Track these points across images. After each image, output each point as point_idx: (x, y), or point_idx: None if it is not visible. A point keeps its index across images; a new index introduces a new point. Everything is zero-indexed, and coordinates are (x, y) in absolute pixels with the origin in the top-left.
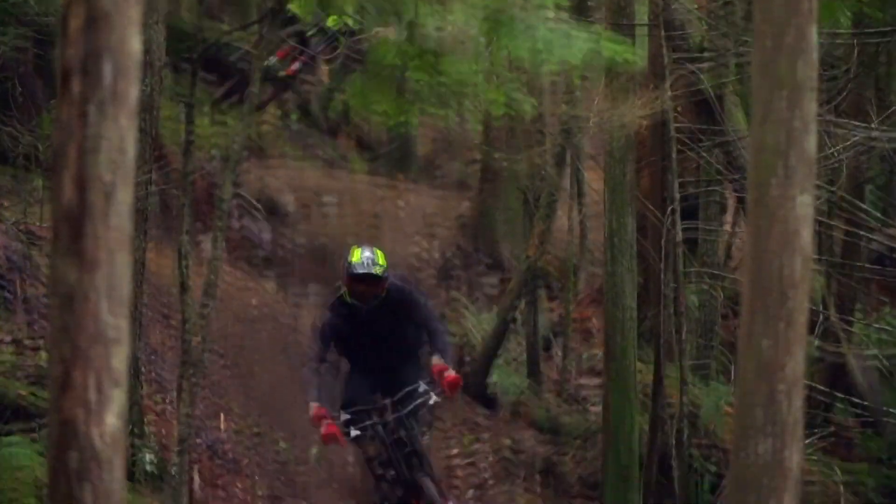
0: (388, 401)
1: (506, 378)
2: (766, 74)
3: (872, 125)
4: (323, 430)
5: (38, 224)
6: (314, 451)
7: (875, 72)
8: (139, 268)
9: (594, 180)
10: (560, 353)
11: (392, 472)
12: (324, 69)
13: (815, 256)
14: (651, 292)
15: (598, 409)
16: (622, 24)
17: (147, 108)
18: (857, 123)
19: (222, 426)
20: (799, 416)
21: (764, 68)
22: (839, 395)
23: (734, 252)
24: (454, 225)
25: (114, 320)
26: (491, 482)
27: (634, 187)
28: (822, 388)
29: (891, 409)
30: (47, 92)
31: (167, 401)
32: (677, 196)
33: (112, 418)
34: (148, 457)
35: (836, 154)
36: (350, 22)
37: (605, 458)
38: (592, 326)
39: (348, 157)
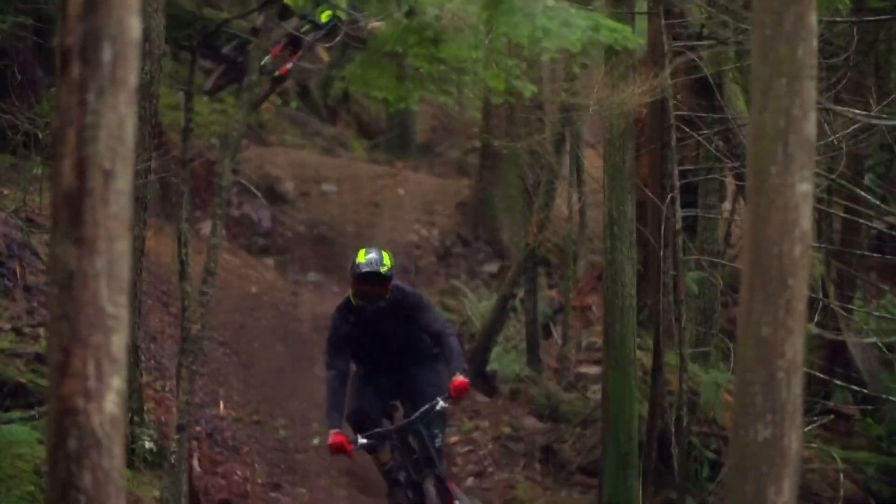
0: (396, 402)
1: (505, 364)
2: (765, 61)
3: (872, 111)
4: (329, 439)
5: (37, 211)
6: (316, 440)
7: (874, 58)
8: (138, 254)
9: (593, 166)
10: (559, 340)
11: (403, 476)
12: (323, 55)
13: (815, 242)
14: (651, 278)
15: (598, 394)
16: (622, 10)
17: (146, 95)
18: (857, 110)
19: (222, 412)
20: (798, 401)
21: (763, 54)
22: (838, 380)
23: (734, 238)
24: (454, 211)
25: (113, 306)
26: (490, 468)
27: (634, 173)
28: (821, 374)
29: (890, 396)
30: (46, 78)
31: (166, 387)
32: (677, 182)
33: (111, 404)
34: (147, 443)
35: (835, 140)
36: (342, 15)
37: (605, 443)
38: (592, 312)
39: (348, 142)
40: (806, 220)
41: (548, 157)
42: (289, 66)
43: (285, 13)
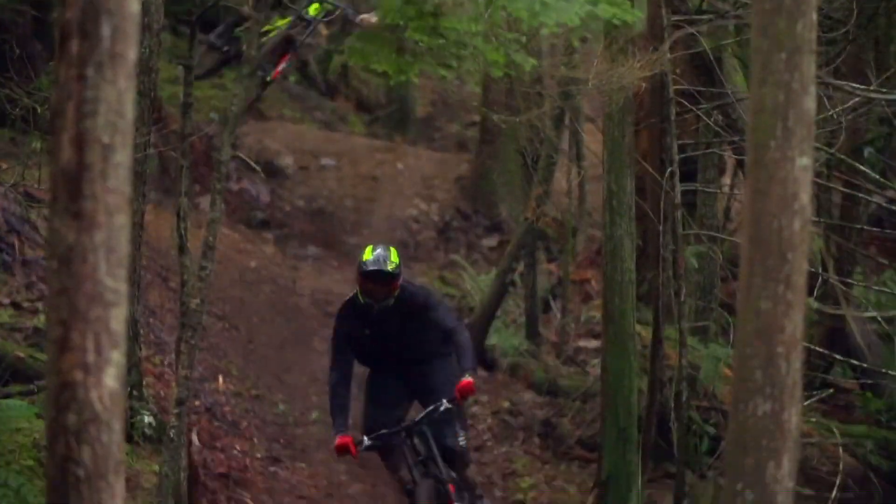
0: (410, 404)
1: (504, 339)
2: (764, 36)
3: (871, 86)
4: (335, 442)
5: (36, 186)
6: (315, 414)
7: (874, 32)
8: (138, 229)
9: (593, 141)
10: (559, 314)
11: (412, 476)
12: (322, 30)
13: (814, 218)
14: (650, 254)
15: (597, 370)
16: None
17: (145, 70)
18: (856, 85)
19: (221, 387)
20: (798, 377)
21: (763, 29)
22: (838, 356)
23: (733, 213)
24: (453, 186)
25: (112, 281)
26: (490, 444)
27: (633, 149)
28: (820, 349)
29: (890, 371)
30: (45, 52)
31: (166, 362)
32: (676, 158)
33: (111, 379)
34: (147, 418)
35: (835, 115)
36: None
37: (604, 419)
38: (591, 288)
39: (347, 118)
40: (805, 195)
41: (547, 132)
42: (280, 68)
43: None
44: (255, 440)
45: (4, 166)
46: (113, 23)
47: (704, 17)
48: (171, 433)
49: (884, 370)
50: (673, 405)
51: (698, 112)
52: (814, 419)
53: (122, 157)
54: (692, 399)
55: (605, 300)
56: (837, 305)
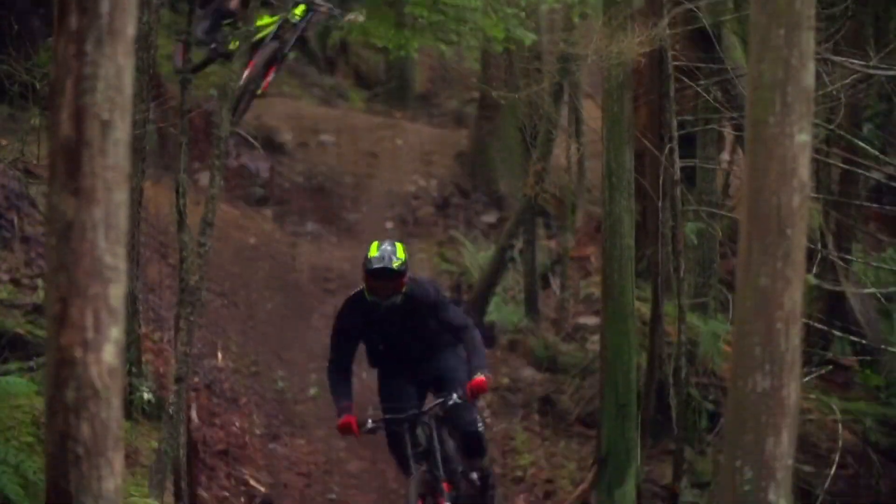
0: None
1: (504, 314)
2: (764, 10)
3: (870, 61)
4: (339, 421)
5: (35, 162)
6: (313, 391)
7: (873, 8)
8: (136, 204)
9: (592, 117)
10: (558, 290)
11: (409, 465)
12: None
13: (813, 192)
14: (649, 230)
15: (597, 346)
16: None
17: (144, 45)
18: (856, 60)
19: (220, 363)
20: (797, 351)
21: (762, 4)
22: (837, 332)
23: (732, 188)
24: (452, 162)
25: (111, 258)
26: (489, 419)
27: (632, 123)
28: (820, 325)
29: (889, 346)
30: (44, 28)
31: (165, 338)
32: (675, 133)
33: (110, 356)
34: (146, 394)
35: (834, 91)
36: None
37: (603, 394)
38: (590, 263)
39: (346, 93)
40: (804, 171)
41: (546, 108)
42: (270, 78)
43: None
44: (254, 416)
45: (3, 142)
46: None
47: None
48: (170, 409)
49: (883, 346)
50: (672, 381)
51: (697, 87)
52: (813, 395)
53: (121, 133)
54: (691, 375)
55: (605, 276)
56: (836, 281)
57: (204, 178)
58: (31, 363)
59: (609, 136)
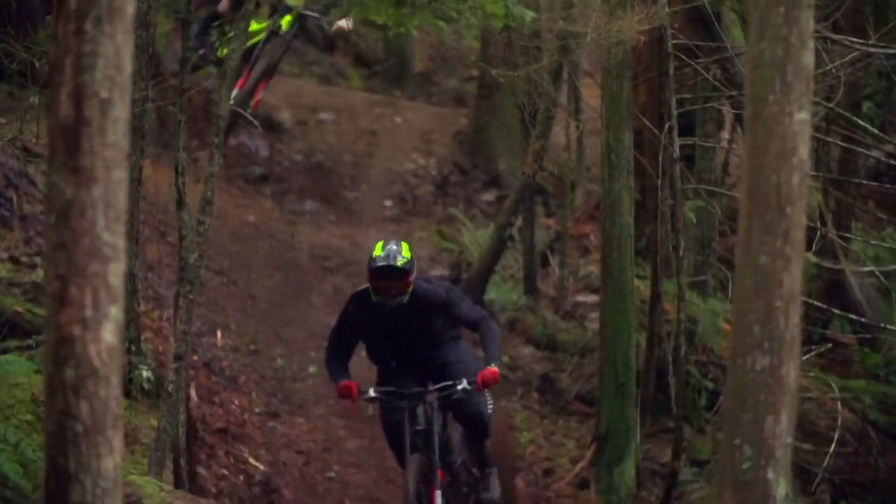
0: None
1: (503, 294)
2: None
3: (870, 40)
4: (338, 383)
5: (34, 141)
6: (312, 368)
7: None
8: (136, 184)
9: (591, 96)
10: (557, 269)
11: (405, 443)
12: None
13: (813, 172)
14: (648, 208)
15: (596, 324)
16: None
17: (143, 24)
18: (855, 39)
19: (219, 342)
20: (796, 331)
21: None
22: (836, 311)
23: (732, 167)
24: (451, 141)
25: (110, 236)
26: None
27: (631, 103)
28: (819, 304)
29: (888, 325)
30: (43, 6)
31: (164, 316)
32: (675, 112)
33: (109, 334)
34: (145, 373)
35: (833, 70)
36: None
37: (603, 373)
38: (590, 242)
39: (345, 72)
40: (804, 149)
41: (545, 87)
42: (259, 96)
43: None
44: (254, 395)
45: (2, 121)
46: None
47: None
48: (170, 388)
49: (882, 325)
50: (671, 360)
51: (697, 66)
52: (812, 374)
53: (121, 112)
54: (691, 354)
55: (604, 255)
56: (836, 260)
57: (203, 157)
58: (30, 342)
59: (608, 115)
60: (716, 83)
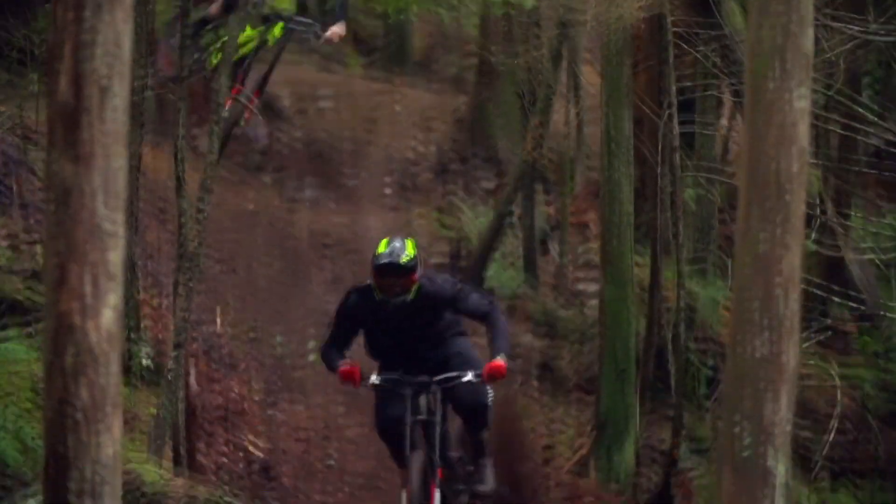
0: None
1: (502, 275)
2: None
3: (870, 27)
4: (340, 368)
5: (34, 127)
6: (312, 356)
7: None
8: (135, 170)
9: (591, 83)
10: (557, 256)
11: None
12: None
13: (812, 158)
14: (648, 190)
15: (595, 311)
16: None
17: (143, 11)
18: (854, 25)
19: (219, 329)
20: (795, 312)
21: None
22: (836, 296)
23: (731, 154)
24: (450, 122)
25: (110, 222)
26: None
27: (631, 85)
28: (818, 289)
29: (887, 310)
30: None
31: (163, 303)
32: (674, 98)
33: (108, 315)
34: (144, 359)
35: (833, 56)
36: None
37: (602, 360)
38: (589, 229)
39: (344, 58)
40: (803, 136)
41: (545, 73)
42: (252, 105)
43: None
44: (253, 381)
45: (2, 108)
46: None
47: None
48: (169, 375)
49: (882, 311)
50: (671, 346)
51: (696, 53)
52: (812, 360)
53: (120, 99)
54: (690, 340)
55: (604, 241)
56: (835, 246)
57: (203, 143)
58: (30, 329)
59: (608, 102)
60: (716, 70)
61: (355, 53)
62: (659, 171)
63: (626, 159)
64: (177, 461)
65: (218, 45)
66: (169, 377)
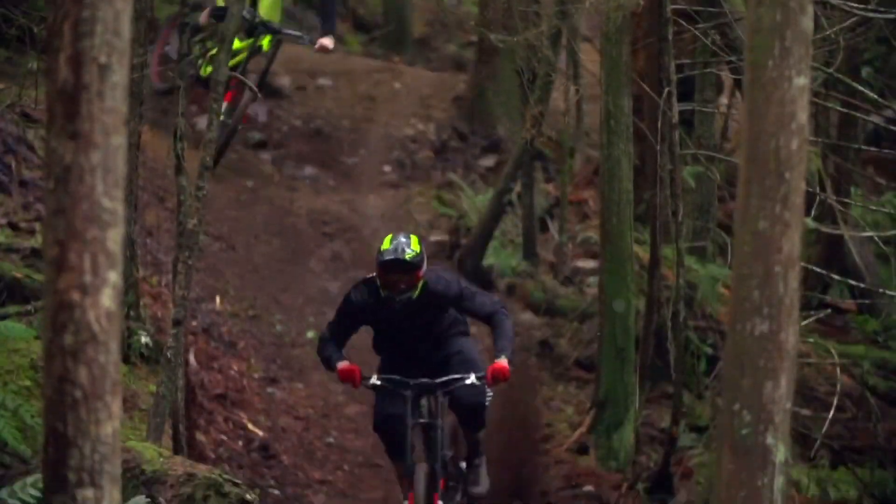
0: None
1: (502, 259)
2: None
3: (869, 4)
4: (340, 366)
5: (33, 106)
6: (311, 334)
7: None
8: (134, 149)
9: (590, 61)
10: (556, 234)
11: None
12: None
13: (812, 136)
14: (647, 173)
15: (595, 290)
16: None
17: None
18: (854, 3)
19: (218, 307)
20: (795, 295)
21: None
22: (836, 276)
23: (731, 132)
24: (450, 105)
25: (109, 201)
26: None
27: (630, 68)
28: (818, 269)
29: (887, 291)
30: None
31: (163, 282)
32: (674, 77)
33: (107, 300)
34: (143, 338)
35: (832, 33)
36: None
37: (601, 338)
38: (588, 207)
39: (344, 37)
40: (803, 114)
41: (544, 52)
42: (248, 112)
43: (220, 13)
44: (252, 360)
45: (1, 86)
46: None
47: None
48: (168, 354)
49: (881, 290)
50: (670, 325)
51: (696, 31)
52: (811, 339)
53: (119, 77)
54: (690, 319)
55: (603, 220)
56: (835, 225)
57: (202, 122)
58: (29, 307)
59: (608, 80)
60: (715, 48)
61: (355, 34)
62: (658, 149)
63: (626, 137)
64: (176, 440)
65: (207, 56)
66: (168, 355)
